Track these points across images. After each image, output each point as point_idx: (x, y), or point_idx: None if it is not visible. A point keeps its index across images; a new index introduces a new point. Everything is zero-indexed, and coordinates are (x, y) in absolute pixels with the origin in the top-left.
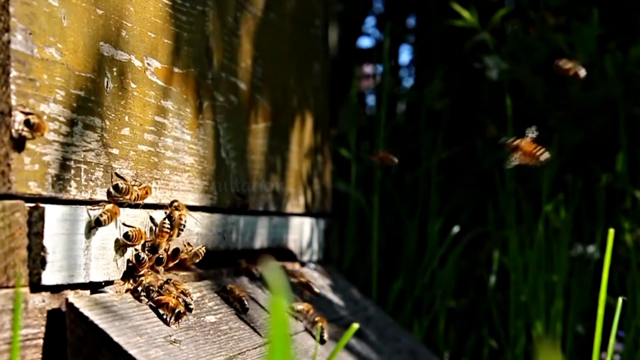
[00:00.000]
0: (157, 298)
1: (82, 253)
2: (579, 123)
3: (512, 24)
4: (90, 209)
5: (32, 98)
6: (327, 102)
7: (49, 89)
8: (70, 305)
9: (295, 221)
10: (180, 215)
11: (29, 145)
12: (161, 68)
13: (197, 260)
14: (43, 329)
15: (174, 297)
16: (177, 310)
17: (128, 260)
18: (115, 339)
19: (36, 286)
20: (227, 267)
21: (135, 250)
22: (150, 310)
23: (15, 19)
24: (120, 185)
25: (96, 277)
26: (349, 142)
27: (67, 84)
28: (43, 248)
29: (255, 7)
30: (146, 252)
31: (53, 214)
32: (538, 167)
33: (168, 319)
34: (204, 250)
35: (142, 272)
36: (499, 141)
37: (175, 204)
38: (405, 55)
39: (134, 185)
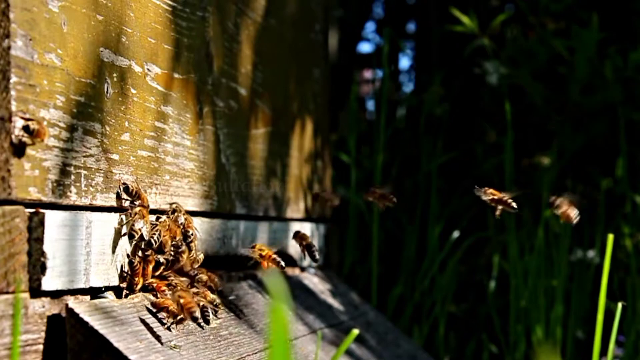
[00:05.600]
0: (156, 301)
1: (82, 258)
2: (578, 128)
3: (511, 29)
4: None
5: (32, 104)
6: (327, 107)
7: (49, 94)
8: (70, 311)
9: (295, 226)
10: (184, 218)
11: (29, 151)
12: (161, 73)
13: (197, 266)
14: (43, 334)
15: (175, 301)
16: (179, 317)
17: (122, 269)
18: (115, 344)
19: (36, 291)
20: (228, 272)
21: (128, 257)
22: (150, 316)
23: (16, 25)
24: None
25: (96, 282)
26: (349, 147)
27: (67, 90)
28: (43, 253)
29: (256, 12)
30: (151, 253)
31: (53, 219)
32: (538, 173)
33: (168, 324)
34: (202, 258)
35: (136, 281)
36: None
37: (174, 205)
38: (405, 60)
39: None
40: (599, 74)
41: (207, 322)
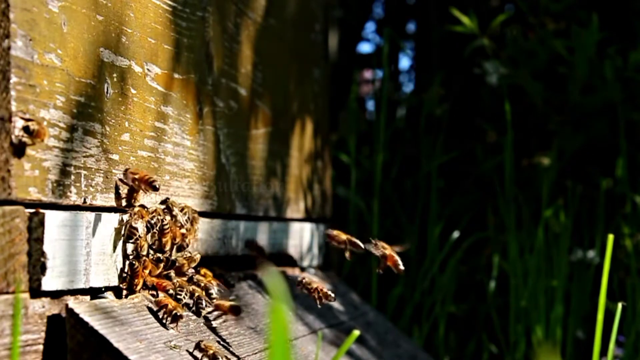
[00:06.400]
0: (156, 300)
1: (82, 259)
2: (578, 128)
3: (511, 29)
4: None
5: (32, 104)
6: (327, 108)
7: (49, 94)
8: (70, 311)
9: (295, 226)
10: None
11: (29, 151)
12: (161, 74)
13: (194, 265)
14: (43, 334)
15: (174, 297)
16: (174, 313)
17: (122, 270)
18: (115, 344)
19: (36, 292)
20: (228, 272)
21: (129, 258)
22: (150, 316)
23: (16, 25)
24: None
25: (96, 282)
26: (349, 147)
27: (67, 90)
28: (43, 254)
29: (256, 13)
30: (150, 253)
31: (53, 219)
32: (538, 173)
33: (166, 322)
34: (199, 258)
35: (136, 282)
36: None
37: (169, 201)
38: (405, 61)
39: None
40: (599, 74)
41: (199, 313)
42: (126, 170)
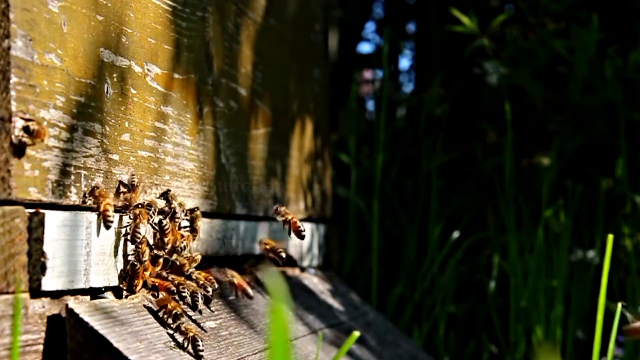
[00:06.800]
0: (157, 300)
1: (82, 259)
2: (578, 128)
3: (511, 29)
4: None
5: (32, 104)
6: (327, 108)
7: (49, 95)
8: (70, 311)
9: None
10: (179, 205)
11: (29, 151)
12: (161, 74)
13: (195, 265)
14: (43, 334)
15: (174, 296)
16: (174, 312)
17: (122, 270)
18: (115, 344)
19: (36, 292)
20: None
21: (130, 258)
22: (150, 316)
23: (16, 25)
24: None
25: (96, 282)
26: (349, 147)
27: (67, 90)
28: (43, 254)
29: (256, 12)
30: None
31: (53, 219)
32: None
33: (166, 321)
34: (199, 258)
35: (136, 282)
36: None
37: (169, 194)
38: (405, 61)
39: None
40: (599, 74)
41: (195, 307)
42: (93, 189)
